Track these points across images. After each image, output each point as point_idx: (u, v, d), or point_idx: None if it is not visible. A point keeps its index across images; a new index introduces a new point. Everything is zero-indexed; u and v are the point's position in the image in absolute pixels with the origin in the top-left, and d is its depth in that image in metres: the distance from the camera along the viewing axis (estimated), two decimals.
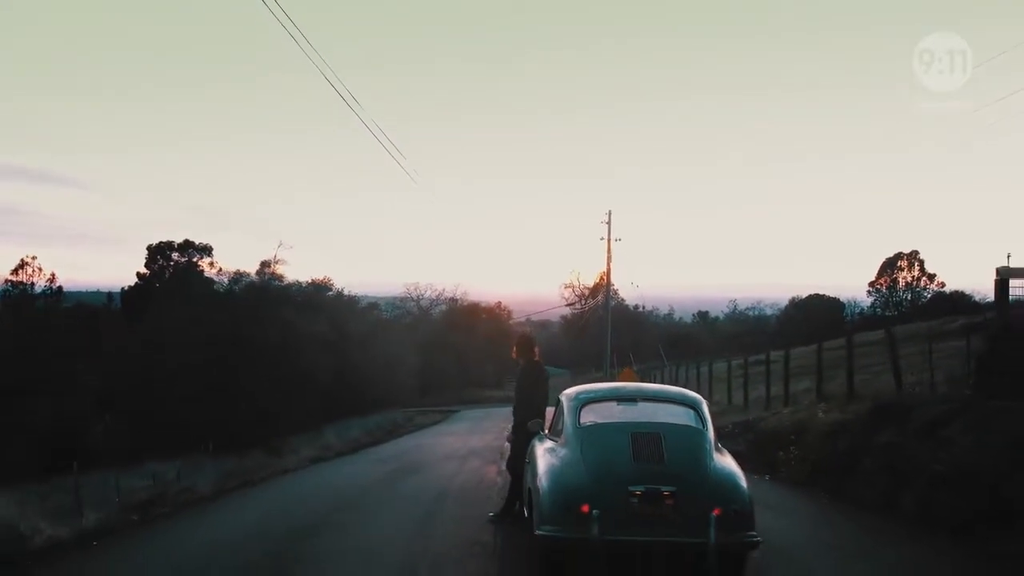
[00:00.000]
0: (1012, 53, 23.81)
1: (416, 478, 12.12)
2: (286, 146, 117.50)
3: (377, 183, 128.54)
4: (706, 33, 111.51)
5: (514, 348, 8.38)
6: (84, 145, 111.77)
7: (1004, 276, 9.75)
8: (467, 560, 6.25)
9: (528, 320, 66.51)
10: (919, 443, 8.70)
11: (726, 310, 79.69)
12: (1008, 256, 10.06)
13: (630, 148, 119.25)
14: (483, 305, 66.05)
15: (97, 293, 49.94)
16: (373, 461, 16.16)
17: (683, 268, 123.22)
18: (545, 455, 6.14)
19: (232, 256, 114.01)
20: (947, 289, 57.50)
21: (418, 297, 65.06)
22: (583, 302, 66.52)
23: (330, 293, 44.32)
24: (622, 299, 62.79)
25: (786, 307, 67.99)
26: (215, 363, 29.47)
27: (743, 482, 5.50)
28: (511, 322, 65.67)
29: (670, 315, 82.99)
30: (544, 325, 75.30)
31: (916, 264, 60.86)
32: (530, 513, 6.11)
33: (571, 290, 68.28)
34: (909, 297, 60.44)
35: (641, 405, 6.36)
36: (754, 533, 5.30)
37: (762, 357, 20.83)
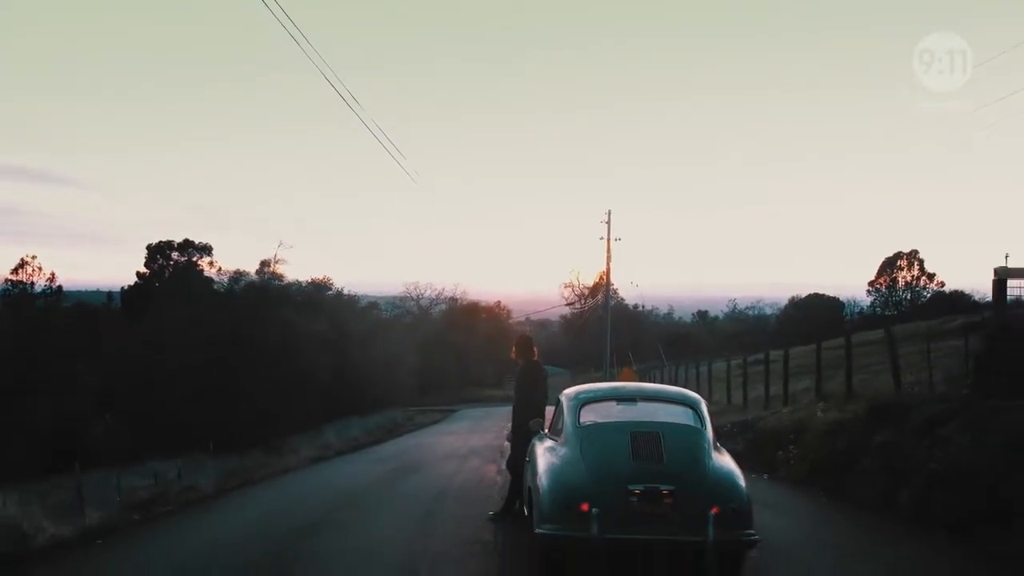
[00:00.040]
0: (1012, 53, 23.84)
1: (416, 477, 12.15)
2: (286, 146, 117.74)
3: (377, 183, 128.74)
4: (706, 33, 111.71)
5: (513, 348, 8.41)
6: (84, 145, 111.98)
7: (1002, 276, 9.78)
8: (467, 559, 6.28)
9: (528, 319, 66.61)
10: (917, 442, 8.74)
11: (726, 310, 79.81)
12: (1006, 256, 10.10)
13: (630, 148, 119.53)
14: (483, 304, 66.11)
15: (97, 293, 49.97)
16: (373, 460, 16.20)
17: (683, 268, 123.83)
18: (545, 454, 6.18)
19: (232, 256, 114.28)
20: (947, 289, 57.61)
21: (418, 297, 65.13)
22: (583, 302, 66.63)
23: (330, 293, 44.33)
24: (622, 299, 62.94)
25: (786, 307, 68.06)
26: (215, 363, 29.48)
27: (741, 481, 5.54)
28: (511, 321, 65.73)
29: (670, 314, 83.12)
30: (544, 324, 75.39)
31: (916, 264, 60.92)
32: (530, 512, 6.15)
33: (571, 289, 68.47)
34: (908, 297, 60.50)
35: (640, 405, 6.40)
36: (752, 531, 5.35)
37: (761, 357, 20.86)
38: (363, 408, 33.22)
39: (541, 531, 5.46)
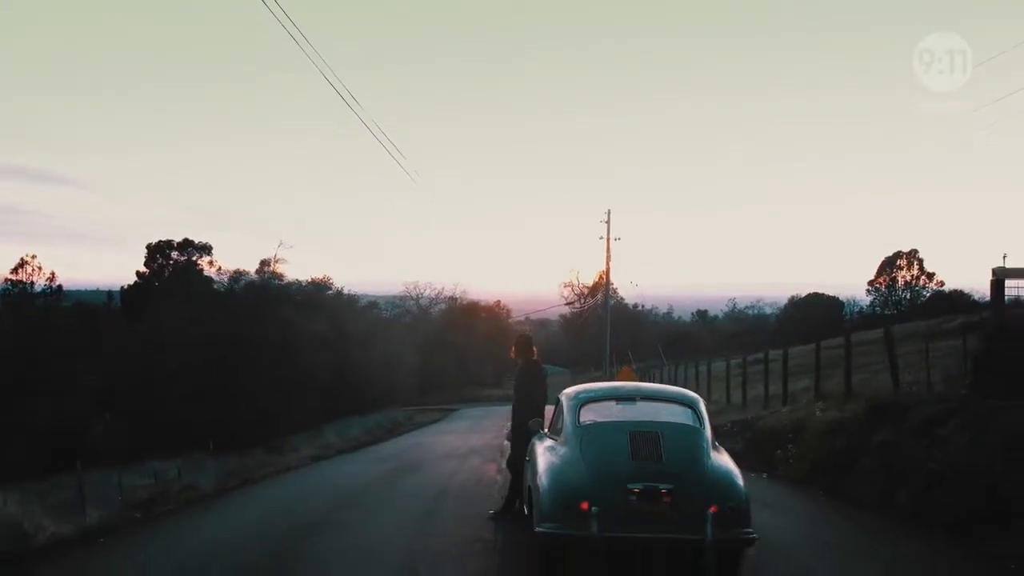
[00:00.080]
0: (1012, 53, 23.85)
1: (416, 476, 12.18)
2: (286, 146, 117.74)
3: (377, 183, 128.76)
4: (706, 33, 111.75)
5: (513, 348, 8.44)
6: (84, 145, 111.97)
7: (1000, 276, 9.80)
8: (468, 558, 6.30)
9: (527, 319, 66.61)
10: (915, 442, 8.77)
11: (725, 309, 79.85)
12: (1004, 256, 10.12)
13: (630, 148, 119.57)
14: (482, 304, 66.20)
15: (97, 292, 49.95)
16: (373, 459, 16.22)
17: (682, 267, 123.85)
18: (545, 453, 6.21)
19: (232, 256, 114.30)
20: (946, 288, 57.63)
21: (417, 296, 65.19)
22: (582, 301, 66.61)
23: (330, 292, 44.41)
24: (621, 298, 62.93)
25: (785, 306, 68.10)
26: (215, 362, 29.50)
27: (739, 480, 5.57)
28: (510, 321, 65.78)
29: (669, 314, 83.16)
30: (543, 324, 75.41)
31: (915, 263, 60.96)
32: (530, 511, 6.18)
33: (570, 289, 68.50)
34: (908, 296, 60.53)
35: (640, 404, 6.44)
36: (750, 530, 5.38)
37: (761, 356, 20.89)
38: (363, 407, 33.29)
39: (541, 530, 5.49)
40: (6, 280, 40.66)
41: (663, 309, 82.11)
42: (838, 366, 15.10)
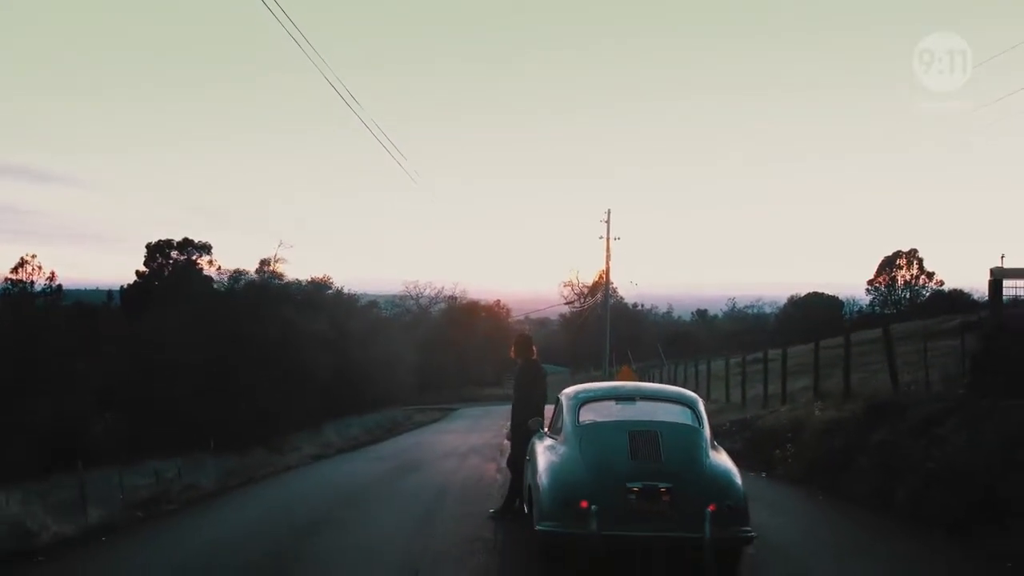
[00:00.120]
0: (1012, 53, 23.85)
1: (416, 475, 12.21)
2: (286, 146, 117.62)
3: (377, 183, 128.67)
4: (706, 33, 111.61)
5: (512, 348, 8.48)
6: (84, 145, 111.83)
7: (998, 276, 9.85)
8: (468, 557, 6.34)
9: (527, 318, 66.56)
10: (913, 441, 8.80)
11: (725, 308, 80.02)
12: (1002, 257, 10.18)
13: (630, 148, 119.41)
14: (482, 303, 66.26)
15: (97, 291, 50.01)
16: (373, 459, 16.26)
17: (682, 267, 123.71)
18: (545, 453, 6.26)
19: (232, 256, 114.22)
20: (946, 287, 57.75)
21: (417, 295, 65.27)
22: (582, 300, 66.64)
23: (330, 292, 44.47)
24: (621, 297, 62.98)
25: (785, 305, 68.21)
26: (215, 362, 29.55)
27: (738, 479, 5.62)
28: (510, 320, 65.82)
29: (669, 313, 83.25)
30: (543, 323, 75.45)
31: (915, 262, 61.06)
32: (530, 509, 6.23)
33: (570, 288, 68.59)
34: (908, 295, 60.62)
35: (639, 404, 6.48)
36: (748, 528, 5.42)
37: (760, 355, 20.94)
38: (363, 407, 33.34)
39: (541, 528, 5.53)
40: (6, 280, 40.70)
41: (663, 308, 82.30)
42: (837, 366, 15.15)
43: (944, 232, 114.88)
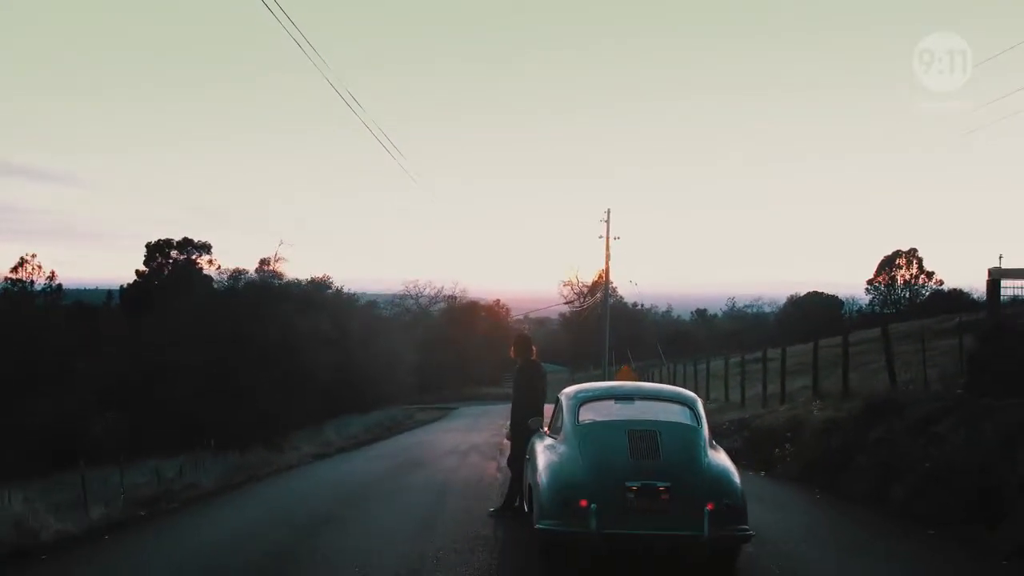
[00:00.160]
0: (1012, 53, 23.89)
1: (417, 474, 12.24)
2: (286, 146, 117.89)
3: (377, 183, 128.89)
4: (706, 33, 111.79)
5: (512, 347, 8.52)
6: (84, 144, 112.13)
7: (996, 277, 9.92)
8: (469, 555, 6.38)
9: (527, 318, 66.63)
10: (911, 440, 8.86)
11: (724, 308, 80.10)
12: (1000, 257, 10.26)
13: (630, 148, 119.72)
14: (482, 303, 66.29)
15: (97, 291, 50.09)
16: (374, 458, 16.30)
17: (682, 266, 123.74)
18: (545, 452, 6.30)
19: (232, 255, 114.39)
20: (945, 287, 57.81)
21: (417, 295, 65.31)
22: (582, 300, 66.67)
23: (330, 291, 44.47)
24: (621, 297, 63.04)
25: (784, 305, 68.27)
26: (215, 362, 29.57)
27: (736, 477, 5.66)
28: (510, 320, 65.88)
29: (668, 313, 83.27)
30: (543, 323, 75.48)
31: (914, 262, 61.10)
32: (530, 508, 6.27)
33: (570, 288, 68.60)
34: (907, 295, 60.66)
35: (638, 403, 6.52)
36: (746, 526, 5.46)
37: (760, 355, 20.96)
38: (363, 406, 33.35)
39: (541, 527, 5.57)
40: (6, 279, 40.79)
41: (662, 308, 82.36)
42: (836, 365, 15.20)
43: (944, 232, 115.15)
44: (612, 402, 6.61)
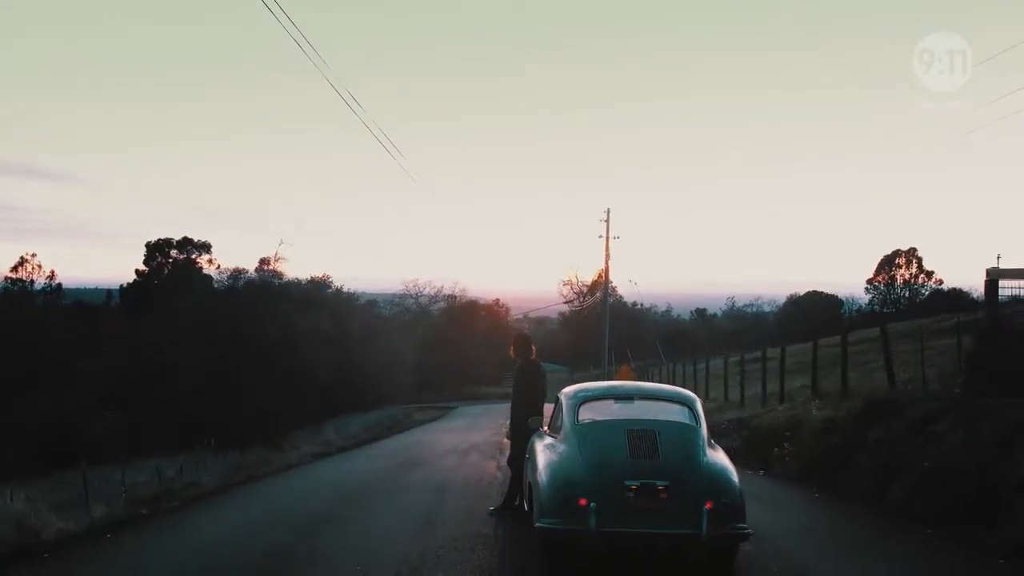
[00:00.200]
0: (1012, 53, 23.90)
1: (417, 473, 12.27)
2: (286, 146, 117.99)
3: (377, 183, 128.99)
4: (706, 33, 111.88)
5: (511, 347, 8.55)
6: (84, 144, 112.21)
7: (994, 277, 9.94)
8: (469, 553, 6.41)
9: (526, 317, 66.62)
10: (910, 439, 8.89)
11: (724, 307, 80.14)
12: (998, 257, 10.29)
13: (630, 148, 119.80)
14: (481, 302, 66.27)
15: (96, 290, 50.10)
16: (374, 457, 16.33)
17: (682, 266, 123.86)
18: (544, 451, 6.34)
19: (232, 255, 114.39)
20: (945, 286, 57.81)
21: (417, 294, 65.33)
22: (581, 299, 66.72)
23: (329, 291, 44.48)
24: (620, 296, 63.05)
25: (784, 304, 68.29)
26: (215, 361, 29.59)
27: (734, 476, 5.69)
28: (509, 319, 65.89)
29: (668, 312, 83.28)
30: (542, 322, 75.48)
31: (914, 261, 61.13)
32: (530, 507, 6.31)
33: (570, 287, 68.61)
34: (907, 294, 60.69)
35: (637, 403, 6.56)
36: (745, 525, 5.50)
37: (759, 354, 21.00)
38: (363, 405, 33.39)
39: (541, 525, 5.61)
40: (6, 278, 40.82)
41: (662, 307, 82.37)
42: (835, 364, 15.22)
43: (943, 231, 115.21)
44: (612, 402, 6.65)
